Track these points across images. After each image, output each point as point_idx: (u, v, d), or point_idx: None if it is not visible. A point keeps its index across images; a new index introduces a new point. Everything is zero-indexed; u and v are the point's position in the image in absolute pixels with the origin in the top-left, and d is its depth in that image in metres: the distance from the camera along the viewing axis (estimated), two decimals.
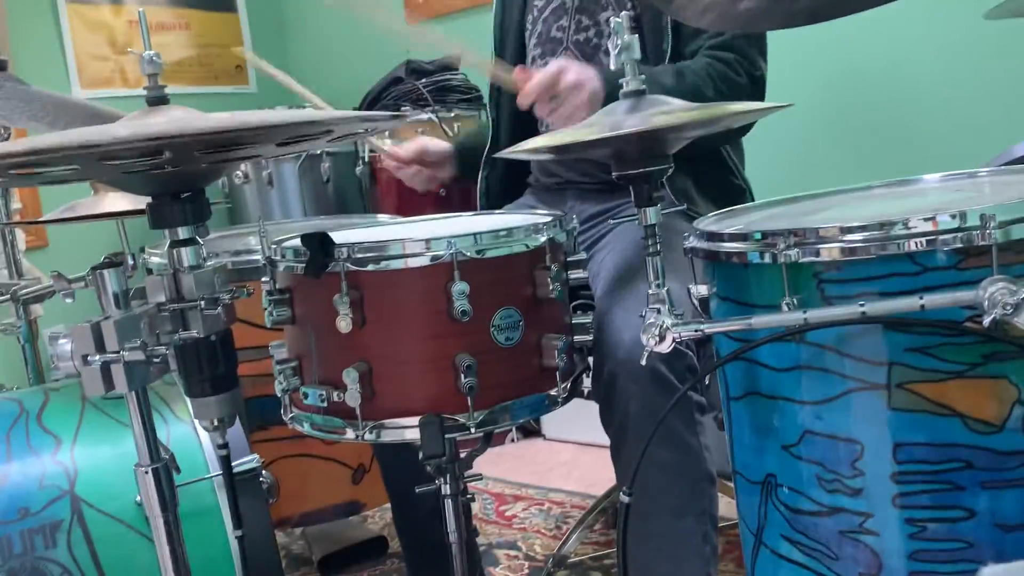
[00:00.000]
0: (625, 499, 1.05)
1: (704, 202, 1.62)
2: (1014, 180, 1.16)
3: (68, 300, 1.50)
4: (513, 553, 2.11)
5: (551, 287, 1.16)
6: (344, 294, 1.10)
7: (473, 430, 1.13)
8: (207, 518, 1.23)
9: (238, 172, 2.87)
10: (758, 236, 0.95)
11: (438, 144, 1.90)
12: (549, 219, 1.23)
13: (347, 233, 1.29)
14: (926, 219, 0.87)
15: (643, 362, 1.03)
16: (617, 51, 1.02)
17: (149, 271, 1.67)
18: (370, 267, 1.11)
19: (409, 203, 2.72)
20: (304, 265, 1.11)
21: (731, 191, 1.69)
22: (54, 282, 1.51)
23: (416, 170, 1.87)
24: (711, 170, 1.65)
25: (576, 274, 1.24)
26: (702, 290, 1.09)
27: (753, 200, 1.73)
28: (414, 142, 1.88)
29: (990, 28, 1.70)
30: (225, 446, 1.04)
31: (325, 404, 1.15)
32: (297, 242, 1.15)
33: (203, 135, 0.79)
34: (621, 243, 1.53)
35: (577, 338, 1.24)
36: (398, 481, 1.78)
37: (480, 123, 2.83)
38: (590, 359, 1.33)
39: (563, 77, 1.43)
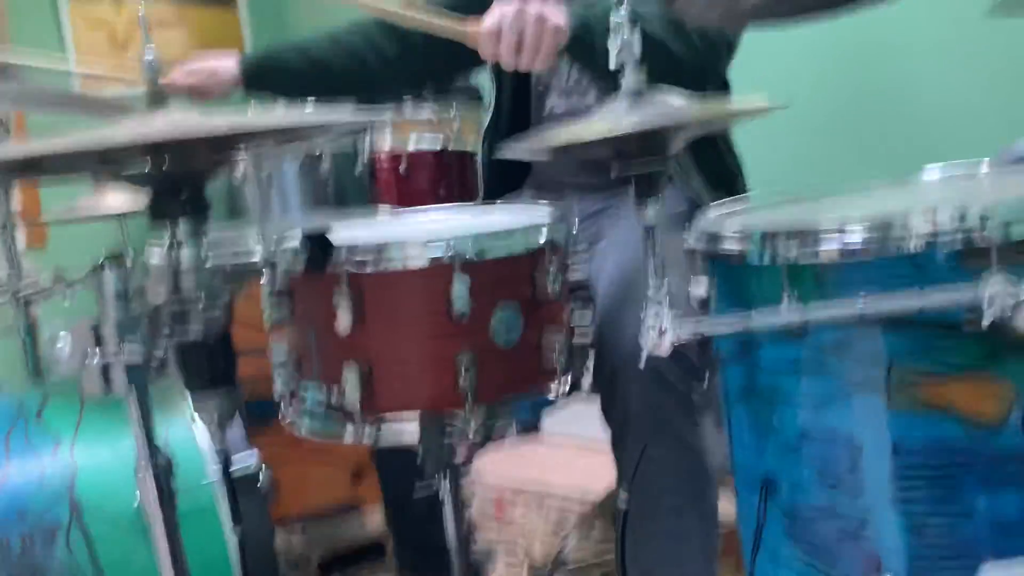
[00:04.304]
0: (623, 502, 1.05)
1: (698, 179, 1.61)
2: (1015, 178, 1.16)
3: (67, 299, 1.50)
4: (511, 555, 2.11)
5: (551, 286, 1.16)
6: (343, 294, 1.10)
7: (472, 429, 1.13)
8: (206, 519, 1.22)
9: (238, 170, 2.86)
10: (758, 235, 0.95)
11: (219, 73, 1.82)
12: (549, 218, 1.23)
13: (347, 232, 1.29)
14: (926, 217, 0.87)
15: (641, 366, 1.03)
16: (617, 50, 1.02)
17: (148, 270, 1.67)
18: (369, 268, 1.11)
19: (409, 201, 2.71)
20: (304, 264, 1.11)
21: (724, 171, 1.69)
22: (53, 281, 1.51)
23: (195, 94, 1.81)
24: (702, 150, 1.64)
25: (575, 273, 1.24)
26: (701, 289, 1.08)
27: (746, 182, 1.74)
28: (191, 73, 1.81)
29: (992, 24, 1.69)
30: (224, 443, 1.04)
31: (324, 404, 1.15)
32: (297, 241, 1.15)
33: (202, 138, 0.79)
34: (622, 241, 1.52)
35: (576, 337, 1.24)
36: (394, 481, 1.78)
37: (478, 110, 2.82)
38: (590, 358, 1.32)
39: (526, 10, 1.39)
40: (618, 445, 1.41)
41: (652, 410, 1.30)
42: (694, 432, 1.37)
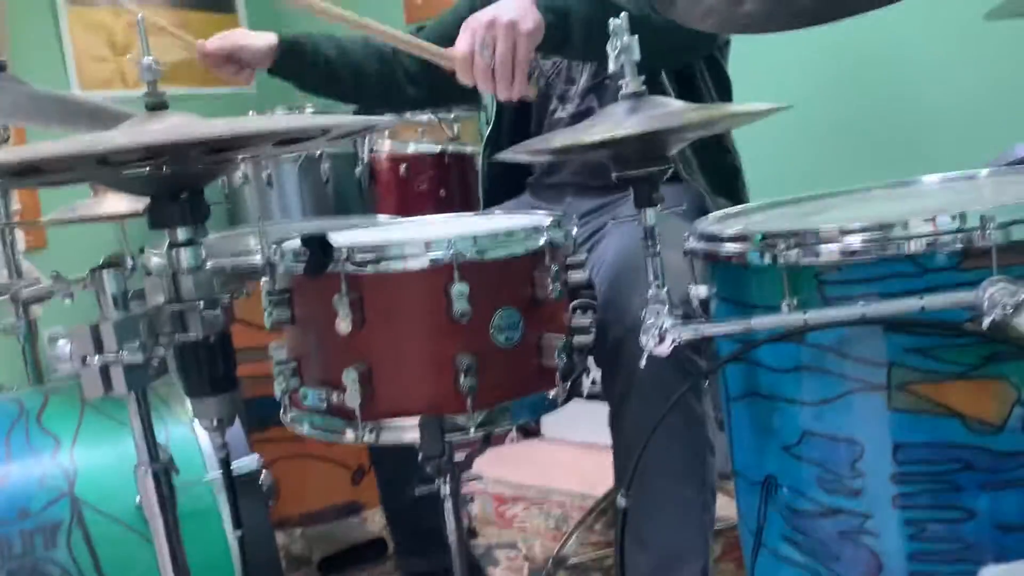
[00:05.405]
0: (623, 500, 1.05)
1: (701, 179, 1.61)
2: (1014, 181, 1.16)
3: (67, 301, 1.50)
4: (513, 554, 2.11)
5: (551, 288, 1.16)
6: (344, 295, 1.10)
7: (473, 431, 1.13)
8: (207, 519, 1.23)
9: (237, 173, 2.87)
10: (758, 237, 0.95)
11: (255, 42, 1.79)
12: (549, 220, 1.23)
13: (347, 234, 1.29)
14: (926, 220, 0.87)
15: (642, 364, 1.03)
16: (616, 52, 1.02)
17: (148, 272, 1.67)
18: (370, 268, 1.11)
19: (409, 204, 2.72)
20: (304, 266, 1.11)
21: (726, 171, 1.69)
22: (53, 283, 1.51)
23: (225, 68, 1.77)
24: (707, 149, 1.64)
25: (576, 274, 1.24)
26: (702, 291, 1.09)
27: (745, 183, 1.74)
28: (227, 39, 1.77)
29: (990, 29, 1.70)
30: (224, 446, 1.04)
31: (325, 405, 1.15)
32: (297, 243, 1.15)
33: (201, 142, 0.79)
34: (624, 228, 1.53)
35: (577, 338, 1.24)
36: (391, 481, 1.78)
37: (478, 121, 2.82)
38: (590, 359, 1.32)
39: (497, 20, 1.35)
40: (618, 415, 1.40)
41: (657, 376, 1.29)
42: (697, 399, 1.36)
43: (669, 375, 1.26)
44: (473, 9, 1.77)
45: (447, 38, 1.45)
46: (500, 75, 1.36)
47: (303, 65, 1.81)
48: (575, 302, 1.26)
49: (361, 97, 1.92)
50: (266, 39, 1.77)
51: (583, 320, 1.25)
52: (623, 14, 1.00)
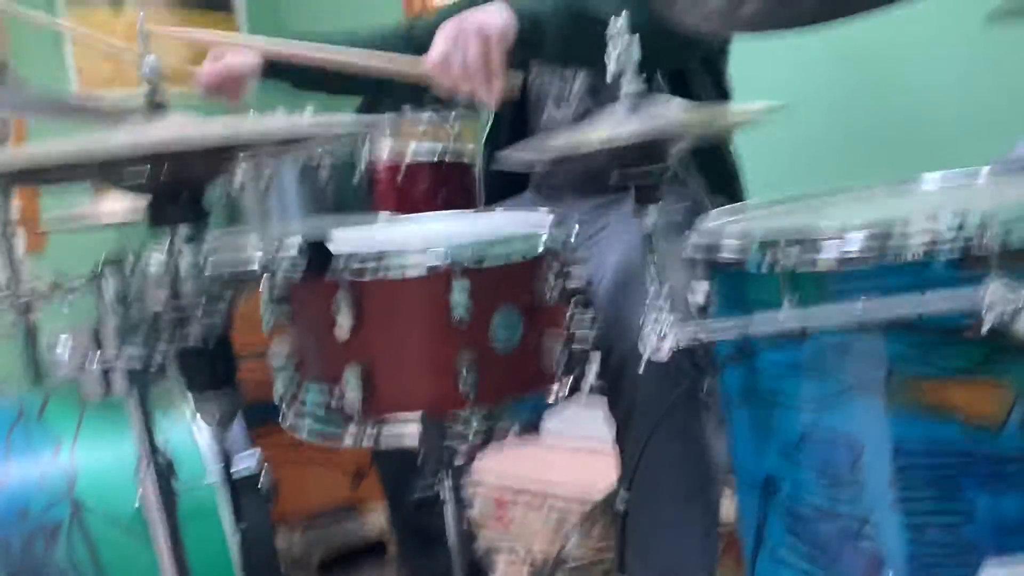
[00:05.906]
0: (623, 503, 1.05)
1: (699, 182, 1.61)
2: (1015, 181, 1.16)
3: (67, 302, 1.50)
4: (512, 554, 2.11)
5: (550, 291, 1.16)
6: (342, 300, 1.10)
7: (473, 432, 1.13)
8: (207, 520, 1.23)
9: (237, 173, 2.87)
10: (758, 238, 0.95)
11: (242, 65, 1.80)
12: (548, 222, 1.23)
13: (347, 236, 1.29)
14: (926, 223, 0.87)
15: (640, 370, 1.03)
16: (615, 53, 1.02)
17: (148, 273, 1.67)
18: (368, 275, 1.11)
19: (409, 203, 2.71)
20: (303, 269, 1.11)
21: (725, 174, 1.69)
22: (53, 284, 1.51)
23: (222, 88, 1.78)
24: (705, 152, 1.64)
25: (576, 273, 1.24)
26: (702, 291, 1.08)
27: (744, 186, 1.74)
28: (220, 63, 1.77)
29: (991, 28, 1.70)
30: (224, 443, 1.04)
31: (324, 408, 1.15)
32: (296, 246, 1.15)
33: (203, 145, 0.79)
34: (623, 233, 1.53)
35: (577, 337, 1.24)
36: (394, 480, 1.79)
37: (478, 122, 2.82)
38: (589, 360, 1.32)
39: (465, 26, 1.36)
40: (622, 437, 1.40)
41: (659, 399, 1.29)
42: (699, 424, 1.37)
43: (672, 392, 1.26)
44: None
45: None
46: (476, 79, 1.37)
47: (292, 66, 1.81)
48: (575, 298, 1.25)
49: (352, 92, 1.92)
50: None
51: (583, 318, 1.25)
52: (624, 12, 0.99)
